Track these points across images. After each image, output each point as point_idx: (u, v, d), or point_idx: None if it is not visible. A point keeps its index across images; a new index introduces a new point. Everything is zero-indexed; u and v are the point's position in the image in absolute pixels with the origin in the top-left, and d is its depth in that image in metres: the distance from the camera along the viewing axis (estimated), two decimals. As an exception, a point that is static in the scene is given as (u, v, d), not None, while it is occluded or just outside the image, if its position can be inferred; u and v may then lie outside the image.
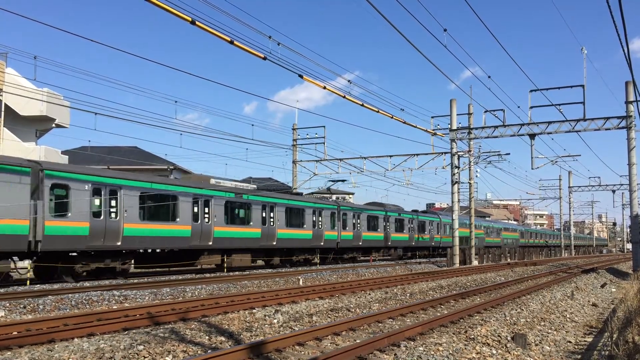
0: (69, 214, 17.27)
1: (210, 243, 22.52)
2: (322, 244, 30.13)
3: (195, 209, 21.93)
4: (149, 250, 21.43)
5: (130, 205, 19.08)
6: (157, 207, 20.43)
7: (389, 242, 37.54)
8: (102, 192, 18.32)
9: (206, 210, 22.42)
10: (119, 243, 18.70)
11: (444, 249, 41.75)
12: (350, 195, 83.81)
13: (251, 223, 24.84)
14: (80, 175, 17.88)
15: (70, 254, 17.90)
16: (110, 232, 18.36)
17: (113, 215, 18.66)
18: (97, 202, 18.20)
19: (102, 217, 18.19)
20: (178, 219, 21.05)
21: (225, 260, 23.87)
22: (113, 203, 18.69)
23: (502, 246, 48.57)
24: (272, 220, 26.14)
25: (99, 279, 18.66)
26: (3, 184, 15.51)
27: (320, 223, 29.81)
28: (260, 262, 28.37)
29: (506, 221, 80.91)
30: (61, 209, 17.22)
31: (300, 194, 33.16)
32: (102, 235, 18.07)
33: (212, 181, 24.05)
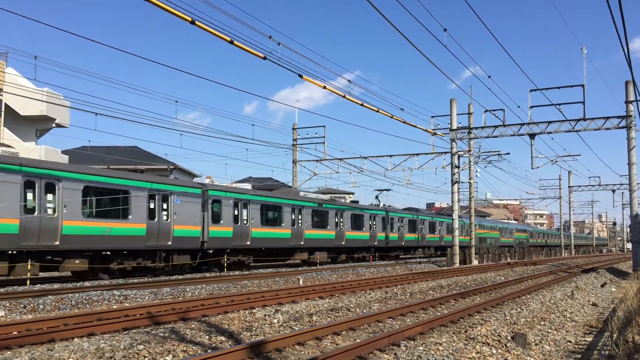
0: (222, 221, 23.06)
1: (302, 243, 28.38)
2: (375, 243, 36.02)
3: (293, 217, 27.87)
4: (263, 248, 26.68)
5: (256, 215, 25.15)
6: (270, 214, 26.38)
7: (425, 242, 43.11)
8: (239, 205, 24.27)
9: (299, 217, 28.28)
10: (249, 242, 24.64)
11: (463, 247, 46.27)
12: (350, 195, 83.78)
13: (328, 227, 30.68)
14: (228, 193, 24.02)
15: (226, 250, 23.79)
16: (244, 235, 24.35)
17: (245, 221, 24.50)
18: (236, 212, 24.12)
19: (239, 223, 24.07)
20: (283, 224, 26.99)
21: (310, 257, 29.48)
22: (246, 213, 24.53)
23: (515, 246, 51.92)
24: (342, 224, 32.02)
25: (236, 269, 24.60)
26: (187, 202, 21.50)
27: (374, 226, 35.80)
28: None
29: (515, 222, 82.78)
30: (216, 217, 22.89)
31: (357, 202, 41.10)
32: (239, 236, 24.04)
33: (301, 194, 30.82)
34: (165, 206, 20.80)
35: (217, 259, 23.46)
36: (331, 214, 30.89)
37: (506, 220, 77.01)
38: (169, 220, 20.78)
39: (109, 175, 19.41)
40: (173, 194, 21.08)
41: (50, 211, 17.07)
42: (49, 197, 17.16)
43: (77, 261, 17.82)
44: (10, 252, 16.08)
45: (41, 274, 22.75)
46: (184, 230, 21.32)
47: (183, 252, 21.81)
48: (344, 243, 31.97)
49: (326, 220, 30.49)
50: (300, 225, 28.09)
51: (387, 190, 42.81)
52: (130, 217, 19.39)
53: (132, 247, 19.71)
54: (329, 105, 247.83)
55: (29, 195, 16.73)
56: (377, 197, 42.63)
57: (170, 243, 20.84)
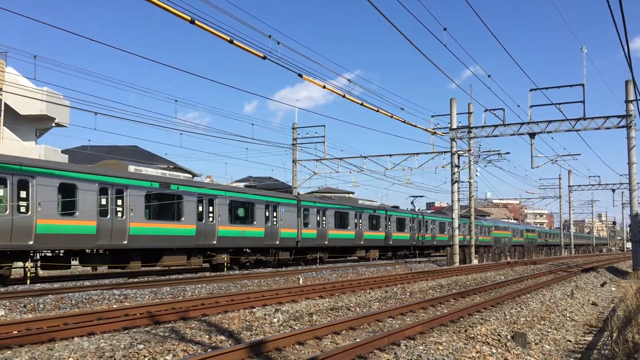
0: (309, 225, 29.12)
1: (362, 242, 34.24)
2: (414, 243, 41.86)
3: (355, 221, 33.49)
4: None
5: (331, 220, 30.99)
6: (338, 219, 31.98)
7: (450, 241, 47.10)
8: (321, 212, 30.24)
9: (360, 221, 33.96)
10: (326, 242, 30.66)
11: (484, 246, 51.94)
12: (350, 195, 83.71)
13: (379, 229, 36.28)
14: (314, 202, 30.13)
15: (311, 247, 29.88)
16: (324, 236, 30.28)
17: (324, 224, 30.34)
18: (318, 218, 29.83)
19: (320, 227, 29.95)
20: (349, 227, 32.78)
21: (366, 254, 35.22)
22: (325, 219, 30.46)
23: (525, 245, 56.03)
24: (389, 226, 37.80)
25: (310, 264, 29.67)
26: (289, 210, 27.54)
27: (413, 228, 41.47)
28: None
29: (517, 223, 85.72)
30: (306, 222, 28.87)
31: (397, 207, 45.12)
32: (321, 237, 29.95)
33: (360, 201, 36.30)
34: (275, 214, 26.70)
35: (305, 255, 30.02)
36: (382, 218, 36.76)
37: (515, 222, 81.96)
38: (277, 225, 26.69)
39: (246, 192, 26.08)
40: (280, 204, 27.12)
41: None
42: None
43: (224, 255, 23.70)
44: (188, 248, 21.77)
45: (41, 273, 22.77)
46: (287, 233, 27.38)
47: (285, 249, 27.96)
48: (391, 242, 38.01)
49: (378, 224, 36.29)
50: (360, 228, 33.97)
51: (421, 196, 49.30)
52: (255, 222, 25.29)
53: (255, 246, 25.78)
54: (329, 105, 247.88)
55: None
56: (412, 202, 49.20)
57: (278, 242, 26.80)
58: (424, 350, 7.73)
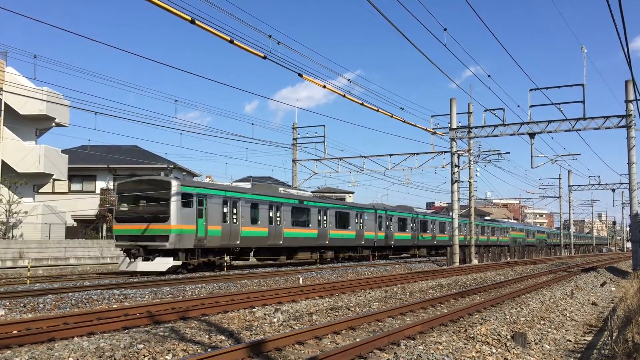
0: (382, 228, 36.05)
1: (416, 242, 41.51)
2: (451, 242, 47.96)
3: (412, 225, 40.78)
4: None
5: (395, 225, 37.98)
6: (402, 223, 39.22)
7: (488, 242, 54.50)
8: (389, 218, 37.27)
9: (415, 225, 41.26)
10: (392, 242, 37.60)
11: (501, 246, 56.41)
12: (350, 195, 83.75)
13: (427, 231, 43.48)
14: (386, 210, 37.14)
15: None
16: (390, 237, 37.22)
17: (391, 228, 37.44)
18: (387, 223, 36.95)
19: (389, 230, 37.06)
20: (407, 230, 39.93)
21: (417, 251, 42.68)
22: (391, 224, 37.48)
23: (537, 244, 61.16)
24: (434, 229, 44.86)
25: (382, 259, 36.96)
26: (369, 217, 34.59)
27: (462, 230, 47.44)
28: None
29: (538, 225, 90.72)
30: (380, 226, 35.75)
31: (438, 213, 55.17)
32: (388, 238, 36.88)
33: (415, 209, 43.18)
34: (362, 220, 33.92)
35: (380, 252, 37.74)
36: (435, 223, 45.01)
37: (522, 223, 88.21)
38: (362, 229, 33.87)
39: (344, 204, 35.35)
40: (364, 213, 34.22)
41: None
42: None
43: (330, 252, 31.18)
44: (311, 247, 29.29)
45: (40, 272, 22.75)
46: (369, 235, 34.58)
47: (366, 248, 35.13)
48: (435, 242, 44.75)
49: (426, 227, 43.65)
50: (415, 231, 41.04)
51: (448, 203, 57.11)
52: (349, 227, 32.78)
53: (349, 245, 33.26)
54: (330, 105, 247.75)
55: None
56: (447, 209, 53.16)
57: (363, 242, 34.16)
58: (424, 350, 7.73)
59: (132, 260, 20.60)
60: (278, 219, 26.46)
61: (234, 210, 23.65)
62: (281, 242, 26.74)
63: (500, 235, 56.92)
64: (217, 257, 23.23)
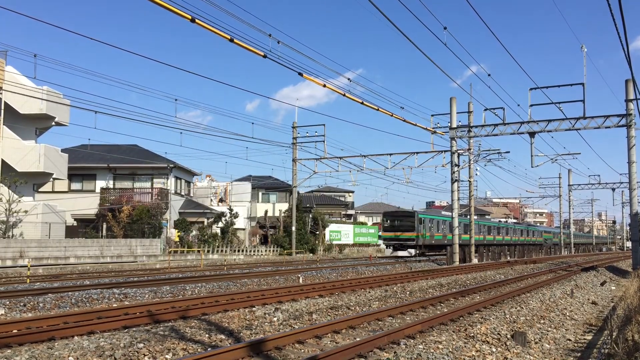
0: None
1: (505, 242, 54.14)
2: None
3: (499, 230, 51.15)
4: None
5: (499, 233, 49.45)
6: (497, 231, 49.44)
7: (530, 242, 64.12)
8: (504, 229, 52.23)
9: (529, 232, 57.08)
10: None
11: (536, 245, 64.07)
12: (350, 194, 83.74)
13: (500, 234, 50.94)
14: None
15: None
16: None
17: (484, 233, 46.63)
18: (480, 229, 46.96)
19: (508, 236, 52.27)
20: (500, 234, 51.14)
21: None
22: (506, 232, 50.76)
23: (544, 244, 66.08)
24: (510, 233, 53.94)
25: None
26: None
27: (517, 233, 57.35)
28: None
29: (554, 227, 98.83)
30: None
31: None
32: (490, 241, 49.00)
33: (510, 221, 59.85)
34: (529, 232, 53.25)
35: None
36: (509, 229, 53.58)
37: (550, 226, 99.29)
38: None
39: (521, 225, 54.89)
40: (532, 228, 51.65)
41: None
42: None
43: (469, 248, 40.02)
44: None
45: (40, 272, 22.77)
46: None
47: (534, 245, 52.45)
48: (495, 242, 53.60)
49: (505, 232, 51.67)
50: (504, 235, 51.28)
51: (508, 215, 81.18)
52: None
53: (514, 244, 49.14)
54: (332, 104, 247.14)
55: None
56: (506, 219, 69.16)
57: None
58: (424, 349, 7.74)
59: (393, 250, 39.59)
60: (449, 228, 38.74)
61: (430, 225, 39.20)
62: (445, 242, 40.80)
63: (537, 237, 65.69)
64: (428, 249, 39.51)
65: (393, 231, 38.23)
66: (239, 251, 42.30)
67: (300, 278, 19.74)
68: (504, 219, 77.81)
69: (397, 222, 38.42)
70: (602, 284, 21.27)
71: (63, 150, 35.78)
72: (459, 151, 33.17)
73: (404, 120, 27.62)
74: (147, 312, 10.60)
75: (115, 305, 12.28)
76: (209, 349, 7.54)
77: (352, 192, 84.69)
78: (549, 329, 10.75)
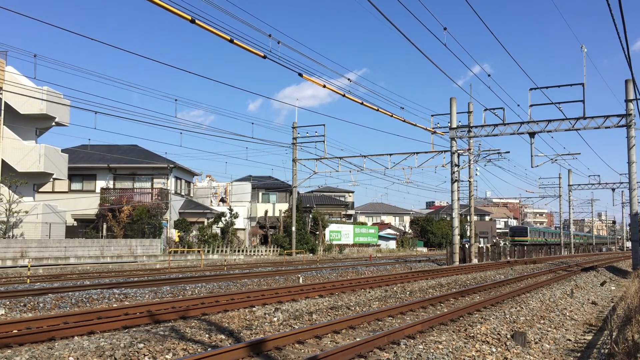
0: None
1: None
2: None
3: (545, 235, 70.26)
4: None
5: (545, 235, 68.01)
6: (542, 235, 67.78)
7: (581, 241, 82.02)
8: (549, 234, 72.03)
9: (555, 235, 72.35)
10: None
11: (585, 244, 79.66)
12: (350, 194, 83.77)
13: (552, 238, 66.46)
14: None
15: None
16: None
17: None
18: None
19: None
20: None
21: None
22: (550, 235, 70.50)
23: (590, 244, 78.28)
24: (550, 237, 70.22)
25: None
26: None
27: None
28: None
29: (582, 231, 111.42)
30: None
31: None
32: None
33: (537, 226, 73.64)
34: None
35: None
36: (553, 233, 67.68)
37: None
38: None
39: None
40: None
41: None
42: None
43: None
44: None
45: (40, 272, 22.78)
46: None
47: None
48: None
49: (550, 235, 64.36)
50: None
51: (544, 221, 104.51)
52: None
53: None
54: (334, 103, 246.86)
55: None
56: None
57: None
58: (424, 349, 7.74)
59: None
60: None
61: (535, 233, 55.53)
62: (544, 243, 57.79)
63: (580, 239, 79.28)
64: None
65: (514, 237, 62.42)
66: (239, 251, 42.31)
67: (300, 278, 19.74)
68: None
69: (517, 231, 64.21)
70: (602, 284, 21.27)
71: (63, 151, 35.80)
72: (459, 151, 33.18)
73: (404, 121, 27.65)
74: (147, 312, 10.61)
75: (115, 305, 12.28)
76: (209, 349, 7.55)
77: (352, 192, 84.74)
78: (549, 329, 10.75)
